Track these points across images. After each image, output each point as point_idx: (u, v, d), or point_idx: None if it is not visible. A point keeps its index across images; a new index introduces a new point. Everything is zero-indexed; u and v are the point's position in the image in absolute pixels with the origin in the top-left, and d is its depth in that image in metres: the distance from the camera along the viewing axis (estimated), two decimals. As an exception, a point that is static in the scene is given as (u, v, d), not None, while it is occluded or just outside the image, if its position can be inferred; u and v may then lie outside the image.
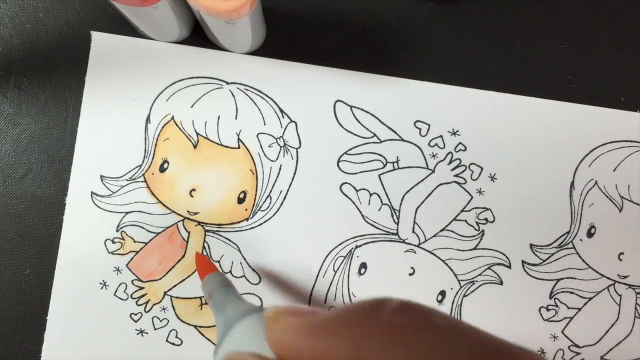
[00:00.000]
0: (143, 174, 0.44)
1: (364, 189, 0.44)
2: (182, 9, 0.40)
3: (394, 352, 0.19)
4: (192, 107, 0.44)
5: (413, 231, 0.44)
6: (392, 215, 0.44)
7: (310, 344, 0.21)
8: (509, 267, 0.45)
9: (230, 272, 0.44)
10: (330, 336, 0.20)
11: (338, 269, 0.44)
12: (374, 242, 0.45)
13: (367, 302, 0.21)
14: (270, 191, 0.44)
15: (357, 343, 0.19)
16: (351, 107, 0.44)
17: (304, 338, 0.21)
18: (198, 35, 0.44)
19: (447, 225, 0.45)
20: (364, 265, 0.45)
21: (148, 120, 0.44)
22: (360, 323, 0.20)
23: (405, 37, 0.45)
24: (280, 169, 0.44)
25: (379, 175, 0.44)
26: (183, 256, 0.44)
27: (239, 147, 0.44)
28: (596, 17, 0.45)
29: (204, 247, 0.44)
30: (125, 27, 0.44)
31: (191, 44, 0.44)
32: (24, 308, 0.44)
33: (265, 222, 0.44)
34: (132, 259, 0.44)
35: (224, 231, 0.44)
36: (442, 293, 0.45)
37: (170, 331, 0.44)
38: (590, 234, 0.45)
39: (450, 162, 0.44)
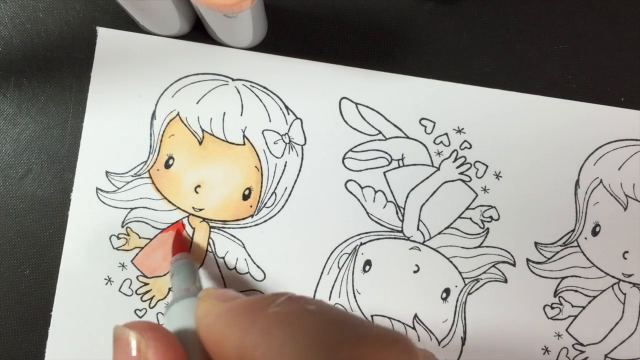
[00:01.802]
0: (148, 170, 0.44)
1: (369, 186, 0.44)
2: (183, 2, 0.40)
3: (270, 337, 0.21)
4: (197, 103, 0.44)
5: (418, 229, 0.44)
6: (397, 213, 0.44)
7: (213, 327, 0.24)
8: (514, 265, 0.45)
9: (235, 268, 0.44)
10: (229, 323, 0.23)
11: (342, 266, 0.44)
12: (378, 239, 0.44)
13: (263, 296, 0.24)
14: (275, 188, 0.44)
15: (243, 332, 0.22)
16: (357, 104, 0.44)
17: (213, 321, 0.24)
18: (200, 29, 0.44)
19: (452, 223, 0.45)
20: (368, 263, 0.44)
21: (153, 116, 0.44)
22: (251, 314, 0.23)
23: (404, 37, 0.45)
24: (285, 165, 0.44)
25: (384, 173, 0.44)
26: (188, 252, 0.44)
27: (244, 144, 0.44)
28: (596, 17, 0.46)
29: (208, 244, 0.44)
30: (125, 27, 0.44)
31: (192, 38, 0.44)
32: (24, 308, 0.44)
33: (270, 218, 0.44)
34: (137, 255, 0.44)
35: (228, 227, 0.44)
36: (447, 291, 0.45)
37: (175, 328, 0.43)
38: (595, 233, 0.45)
39: (456, 159, 0.45)
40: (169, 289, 0.44)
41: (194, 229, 0.44)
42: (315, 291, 0.44)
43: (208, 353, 0.25)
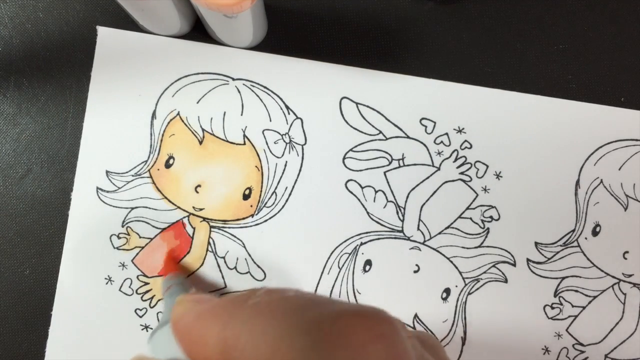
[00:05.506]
0: (149, 170, 0.44)
1: (369, 186, 0.44)
2: (183, 2, 0.40)
3: (251, 325, 0.22)
4: (198, 103, 0.44)
5: (418, 229, 0.44)
6: (398, 213, 0.44)
7: (192, 325, 0.25)
8: (514, 265, 0.45)
9: (235, 268, 0.44)
10: (208, 320, 0.24)
11: (343, 265, 0.44)
12: (379, 239, 0.44)
13: (241, 292, 0.25)
14: (276, 188, 0.44)
15: (224, 324, 0.23)
16: (357, 104, 0.44)
17: (191, 320, 0.25)
18: (200, 29, 0.44)
19: (452, 223, 0.45)
20: (368, 263, 0.44)
21: (154, 115, 0.44)
22: (230, 309, 0.23)
23: (404, 37, 0.45)
24: (285, 165, 0.44)
25: (385, 173, 0.44)
26: (188, 252, 0.44)
27: (244, 144, 0.44)
28: (596, 17, 0.46)
29: (209, 243, 0.44)
30: (125, 27, 0.44)
31: (192, 38, 0.44)
32: (24, 308, 0.44)
33: (270, 218, 0.44)
34: (137, 254, 0.44)
35: (229, 227, 0.44)
36: (447, 291, 0.45)
37: (175, 328, 0.43)
38: (595, 233, 0.45)
39: (456, 159, 0.45)
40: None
41: (194, 228, 0.44)
42: (316, 291, 0.44)
43: None
